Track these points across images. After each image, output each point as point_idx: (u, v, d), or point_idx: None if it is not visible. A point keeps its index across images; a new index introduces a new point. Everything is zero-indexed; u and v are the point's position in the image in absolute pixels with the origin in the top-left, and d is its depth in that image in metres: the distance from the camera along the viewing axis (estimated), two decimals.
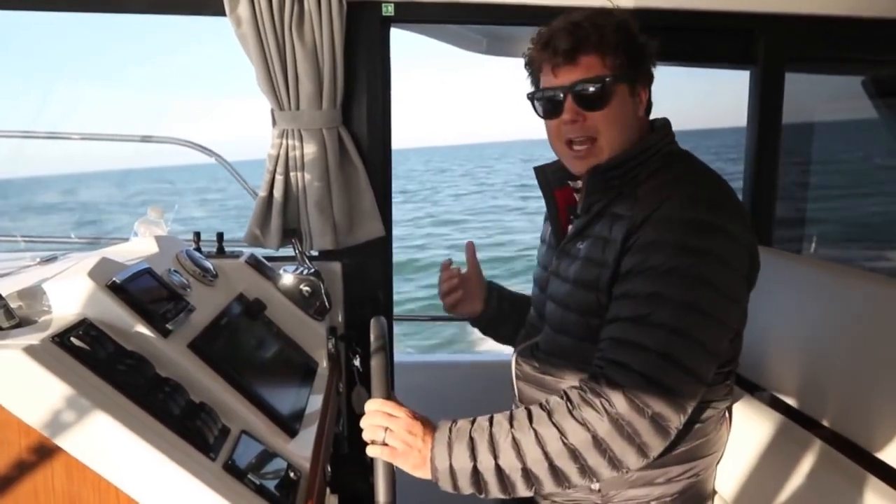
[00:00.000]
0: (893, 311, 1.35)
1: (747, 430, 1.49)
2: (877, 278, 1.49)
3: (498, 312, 1.73)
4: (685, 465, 1.35)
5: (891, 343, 1.33)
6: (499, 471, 1.17)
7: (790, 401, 1.58)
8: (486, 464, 1.18)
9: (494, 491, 1.19)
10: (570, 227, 1.45)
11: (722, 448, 1.45)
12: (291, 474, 1.18)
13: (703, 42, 2.26)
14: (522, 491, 1.19)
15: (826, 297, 1.54)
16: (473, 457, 1.18)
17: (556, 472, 1.16)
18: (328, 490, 1.36)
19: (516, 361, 1.53)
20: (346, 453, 1.87)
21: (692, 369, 1.16)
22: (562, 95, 1.34)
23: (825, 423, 1.45)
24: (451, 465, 1.19)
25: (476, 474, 1.18)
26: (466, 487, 1.20)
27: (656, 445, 1.15)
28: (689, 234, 1.20)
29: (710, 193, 1.29)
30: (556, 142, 1.41)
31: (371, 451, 1.23)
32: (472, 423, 1.22)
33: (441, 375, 2.71)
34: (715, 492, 1.48)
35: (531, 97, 1.42)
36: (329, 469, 1.36)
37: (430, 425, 1.24)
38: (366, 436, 1.25)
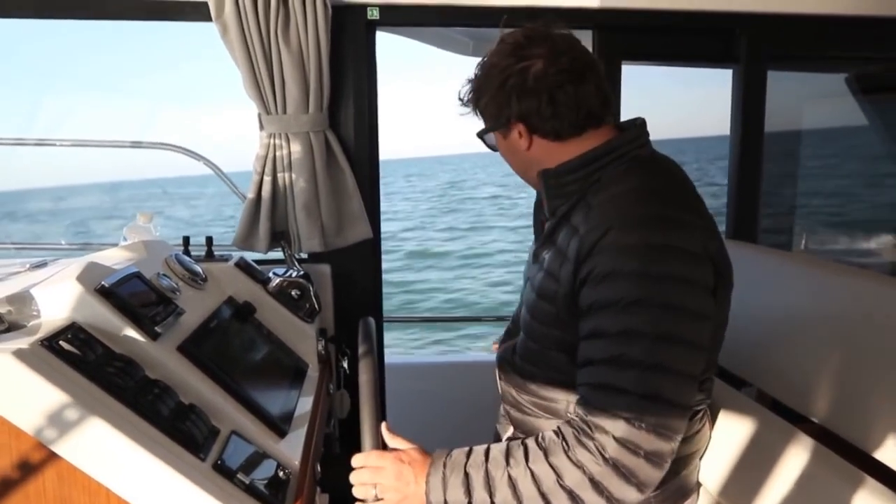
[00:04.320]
0: (879, 305, 1.36)
1: (734, 425, 1.50)
2: (862, 273, 1.50)
3: None
4: None
5: (876, 338, 1.34)
6: None
7: (776, 396, 1.59)
8: (481, 500, 1.18)
9: None
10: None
11: (704, 444, 1.46)
12: (281, 474, 1.19)
13: (684, 42, 2.28)
14: None
15: (812, 292, 1.55)
16: (469, 493, 1.18)
17: None
18: (319, 489, 1.37)
19: (498, 363, 1.53)
20: (336, 453, 1.88)
21: (675, 401, 1.15)
22: None
23: (811, 418, 1.46)
24: (445, 500, 1.19)
25: None
26: None
27: (653, 480, 1.15)
28: (644, 261, 1.15)
29: (660, 210, 1.22)
30: None
31: None
32: (468, 455, 1.22)
33: (430, 376, 2.72)
34: (699, 484, 1.50)
35: None
36: (319, 469, 1.37)
37: (419, 462, 1.25)
38: (357, 494, 1.26)
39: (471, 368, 2.74)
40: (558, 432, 1.19)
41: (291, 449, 1.31)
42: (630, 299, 1.15)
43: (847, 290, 1.45)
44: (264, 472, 1.17)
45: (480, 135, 1.45)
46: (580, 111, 1.31)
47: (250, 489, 1.08)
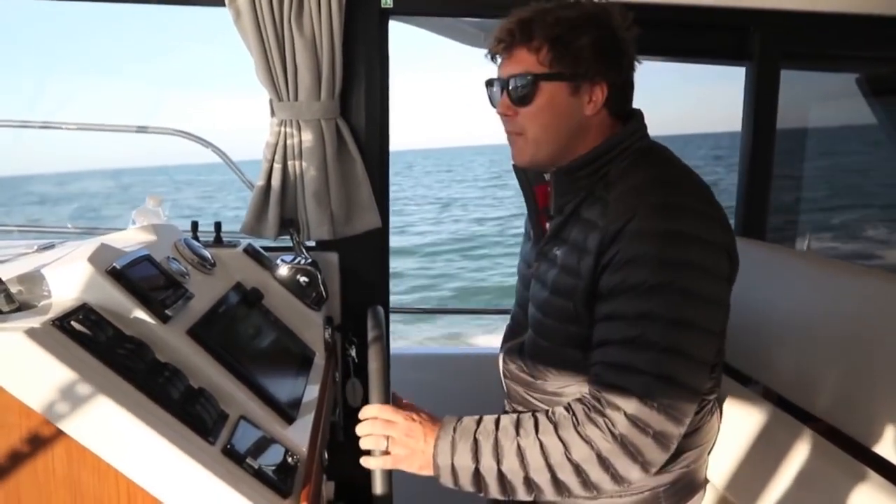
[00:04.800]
0: (885, 303, 1.36)
1: (741, 421, 1.50)
2: (869, 271, 1.50)
3: None
4: (677, 456, 1.36)
5: (883, 335, 1.33)
6: (500, 475, 1.19)
7: (783, 392, 1.59)
8: (488, 467, 1.20)
9: (494, 492, 1.21)
10: (547, 225, 1.43)
11: (713, 438, 1.46)
12: (290, 460, 1.19)
13: (698, 38, 2.28)
14: (522, 495, 1.21)
15: (819, 290, 1.55)
16: (476, 458, 1.20)
17: (557, 483, 1.18)
18: (325, 477, 1.37)
19: (503, 360, 1.52)
20: (342, 441, 1.88)
21: (688, 384, 1.17)
22: (498, 88, 1.34)
23: (817, 414, 1.46)
24: (452, 464, 1.21)
25: (477, 475, 1.20)
26: (467, 485, 1.22)
27: (659, 461, 1.17)
28: (666, 248, 1.18)
29: (679, 199, 1.24)
30: (505, 132, 1.41)
31: (370, 462, 1.25)
32: (478, 423, 1.24)
33: (435, 368, 2.72)
34: (707, 480, 1.50)
35: (486, 86, 1.41)
36: (326, 456, 1.37)
37: (429, 423, 1.26)
38: (364, 445, 1.27)
39: (475, 360, 2.74)
40: (569, 408, 1.21)
41: (299, 435, 1.31)
42: (649, 284, 1.17)
43: (855, 289, 1.45)
44: (273, 457, 1.16)
45: (534, 77, 1.28)
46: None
47: (259, 474, 1.08)
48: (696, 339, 1.18)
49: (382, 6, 2.06)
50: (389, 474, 1.26)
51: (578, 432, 1.16)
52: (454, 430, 1.23)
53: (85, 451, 0.99)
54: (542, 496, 1.21)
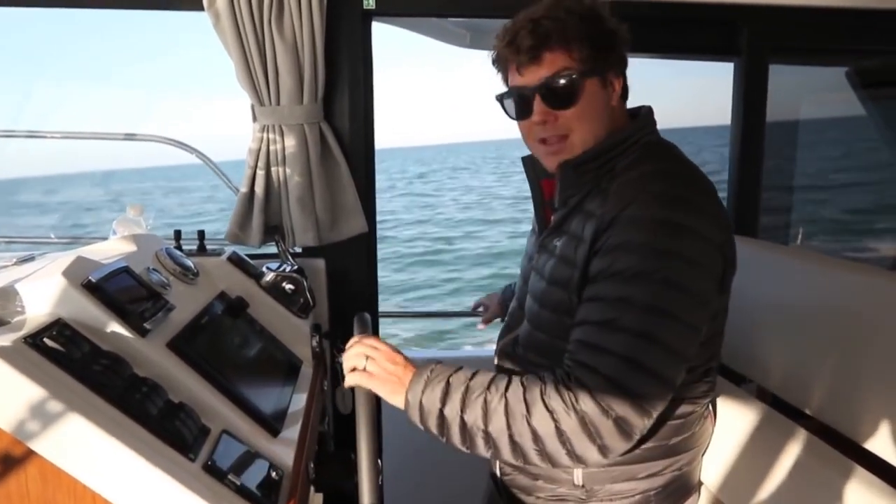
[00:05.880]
0: (879, 300, 1.35)
1: (734, 421, 1.48)
2: (862, 268, 1.49)
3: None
4: (668, 459, 1.34)
5: (876, 333, 1.32)
6: (462, 423, 1.18)
7: (776, 392, 1.58)
8: (452, 412, 1.19)
9: (455, 439, 1.20)
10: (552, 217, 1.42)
11: (706, 442, 1.44)
12: (273, 474, 1.16)
13: (685, 34, 2.26)
14: (481, 450, 1.19)
15: (811, 287, 1.54)
16: (443, 400, 1.19)
17: (515, 446, 1.16)
18: (312, 489, 1.34)
19: (498, 358, 1.51)
20: (330, 452, 1.85)
21: (657, 372, 1.14)
22: (530, 95, 1.30)
23: (811, 413, 1.45)
24: (421, 402, 1.20)
25: (442, 418, 1.19)
26: (432, 427, 1.21)
27: (617, 448, 1.14)
28: (657, 236, 1.17)
29: (681, 192, 1.23)
30: (530, 141, 1.37)
31: (350, 378, 1.26)
32: (456, 370, 1.24)
33: None
34: (701, 483, 1.48)
35: (500, 98, 1.37)
36: (313, 468, 1.34)
37: (412, 360, 1.28)
38: (346, 364, 1.28)
39: (473, 363, 2.71)
40: (541, 377, 1.19)
41: (284, 448, 1.28)
42: (634, 271, 1.16)
43: (848, 286, 1.44)
44: (256, 472, 1.13)
45: (579, 76, 1.26)
46: None
47: (242, 490, 1.05)
48: (674, 330, 1.15)
49: (365, 7, 2.03)
50: (377, 476, 1.22)
51: (543, 401, 1.14)
52: (431, 369, 1.23)
53: (60, 472, 0.96)
54: (499, 456, 1.19)
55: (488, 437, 1.17)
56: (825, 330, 1.46)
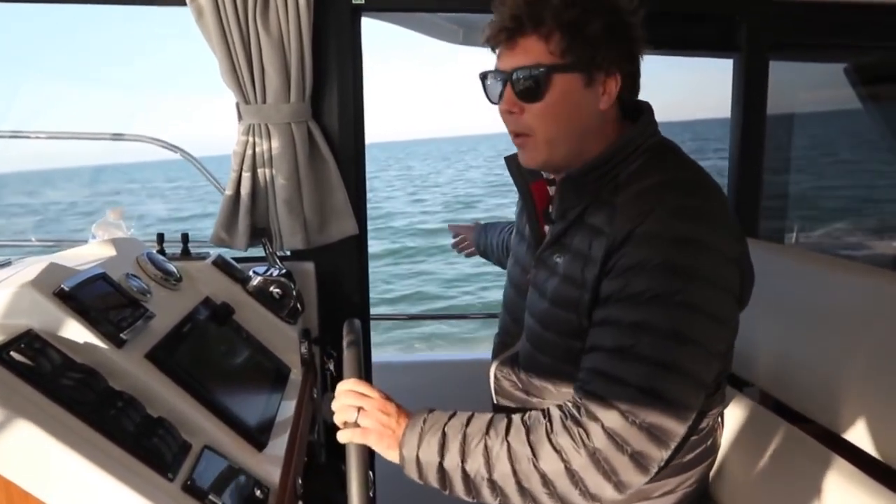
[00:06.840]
0: (882, 301, 1.32)
1: (737, 426, 1.45)
2: (864, 269, 1.46)
3: (485, 253, 2.14)
4: (682, 475, 1.29)
5: (879, 336, 1.29)
6: (465, 474, 1.11)
7: (779, 397, 1.54)
8: (452, 464, 1.12)
9: (459, 491, 1.13)
10: (546, 228, 1.34)
11: (716, 453, 1.39)
12: (258, 492, 1.10)
13: (685, 29, 2.22)
14: (488, 498, 1.12)
15: (813, 288, 1.51)
16: (441, 453, 1.12)
17: (523, 490, 1.09)
18: (300, 503, 1.29)
19: (495, 376, 1.43)
20: (321, 463, 1.79)
21: (677, 402, 1.07)
22: (500, 82, 1.21)
23: (814, 418, 1.41)
24: (417, 456, 1.13)
25: (442, 471, 1.12)
26: (432, 481, 1.14)
27: (635, 483, 1.07)
28: (674, 255, 1.08)
29: (696, 203, 1.14)
30: (508, 131, 1.28)
31: (342, 435, 1.18)
32: (450, 417, 1.16)
33: (421, 375, 2.66)
34: (711, 497, 1.44)
35: (481, 78, 1.26)
36: (301, 482, 1.29)
37: (404, 410, 1.20)
38: (337, 418, 1.20)
39: (461, 367, 2.67)
40: (546, 413, 1.12)
41: (270, 462, 1.22)
42: (651, 293, 1.07)
43: (850, 287, 1.41)
44: (240, 490, 1.07)
45: (546, 69, 1.15)
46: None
47: None
48: (694, 357, 1.08)
49: (354, 2, 1.97)
50: (366, 487, 1.17)
51: (550, 440, 1.07)
52: (424, 420, 1.16)
53: (28, 497, 0.90)
54: (508, 502, 1.12)
55: (494, 485, 1.10)
56: (826, 332, 1.42)
